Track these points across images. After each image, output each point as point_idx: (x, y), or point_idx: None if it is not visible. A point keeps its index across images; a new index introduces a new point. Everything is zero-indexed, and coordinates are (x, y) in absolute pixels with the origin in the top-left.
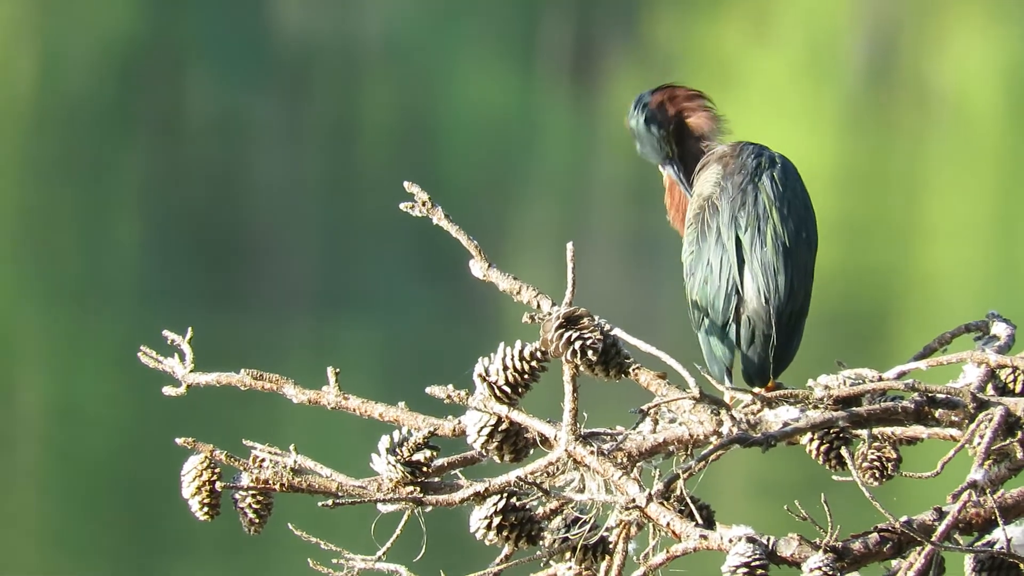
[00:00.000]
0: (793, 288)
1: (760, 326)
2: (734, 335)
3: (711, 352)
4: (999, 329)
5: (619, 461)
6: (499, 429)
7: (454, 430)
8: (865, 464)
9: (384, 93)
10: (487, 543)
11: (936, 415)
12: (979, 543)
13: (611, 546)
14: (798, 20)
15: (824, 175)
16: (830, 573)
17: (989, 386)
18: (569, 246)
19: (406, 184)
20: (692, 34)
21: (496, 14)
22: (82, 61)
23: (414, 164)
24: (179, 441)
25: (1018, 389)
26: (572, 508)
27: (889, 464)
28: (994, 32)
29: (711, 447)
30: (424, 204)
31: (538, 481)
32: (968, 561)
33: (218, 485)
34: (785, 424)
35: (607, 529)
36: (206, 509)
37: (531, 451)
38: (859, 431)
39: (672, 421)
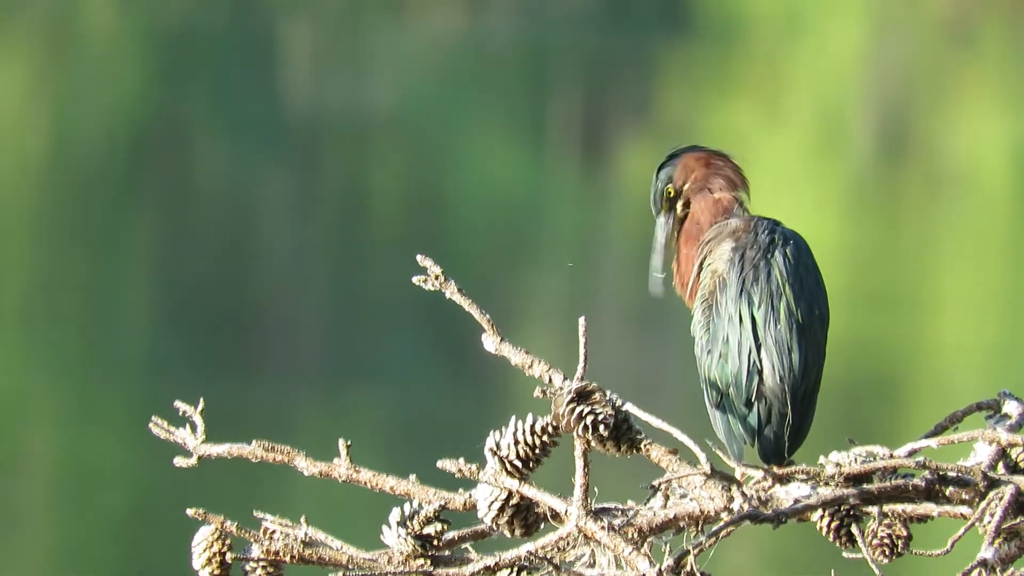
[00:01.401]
0: (807, 366)
1: (776, 404)
2: (753, 413)
3: (730, 431)
4: (1011, 408)
5: (630, 536)
6: (510, 503)
7: (465, 504)
8: (876, 541)
9: (394, 165)
10: None
11: (947, 493)
12: None
13: None
14: (809, 98)
15: (834, 250)
16: None
17: (1000, 465)
18: (582, 321)
19: (419, 258)
20: (703, 111)
21: (507, 87)
22: (92, 131)
23: (424, 236)
24: (190, 512)
25: None
26: None
27: (900, 542)
28: (1003, 110)
29: (722, 523)
30: (437, 278)
31: (549, 556)
32: None
33: (229, 556)
34: (796, 501)
35: None
36: None
37: (542, 525)
38: (870, 508)
39: (683, 497)
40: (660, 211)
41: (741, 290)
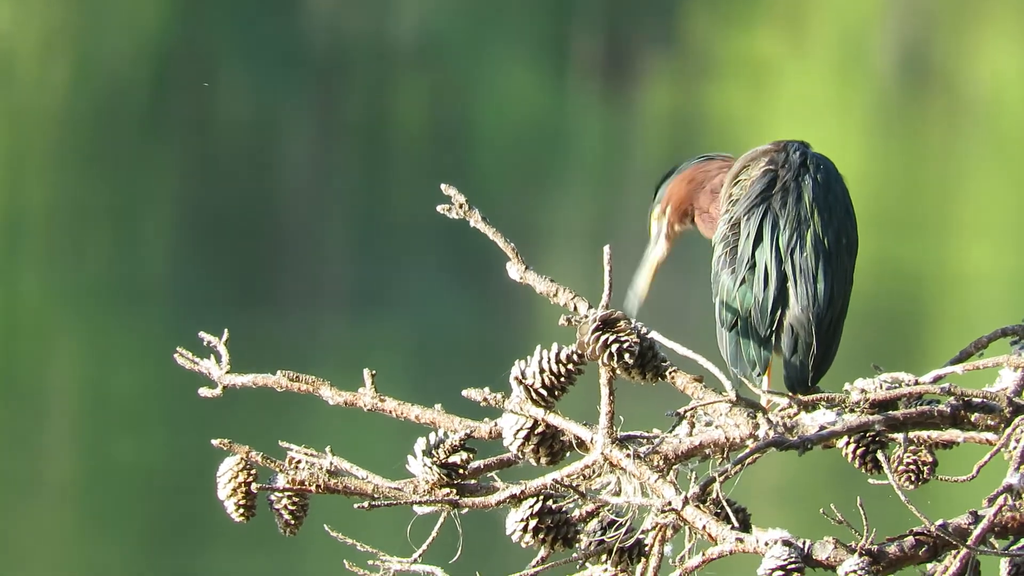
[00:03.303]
0: (832, 295)
1: (801, 334)
2: (774, 341)
3: (737, 353)
4: None
5: (655, 464)
6: (535, 432)
7: (490, 432)
8: (901, 468)
9: (417, 94)
10: (523, 546)
11: (972, 419)
12: (1015, 547)
13: (647, 549)
14: (831, 23)
15: (857, 176)
16: None
17: None
18: (606, 249)
19: (443, 186)
20: (725, 36)
21: (529, 15)
22: (115, 62)
23: (447, 164)
24: (215, 443)
25: None
26: (608, 511)
27: (925, 468)
28: None
29: (747, 450)
30: (461, 207)
31: (574, 484)
32: (1004, 565)
33: (254, 487)
34: (821, 428)
35: (643, 532)
36: (242, 511)
37: (567, 454)
38: (895, 435)
39: (708, 424)
40: (655, 239)
41: (767, 211)
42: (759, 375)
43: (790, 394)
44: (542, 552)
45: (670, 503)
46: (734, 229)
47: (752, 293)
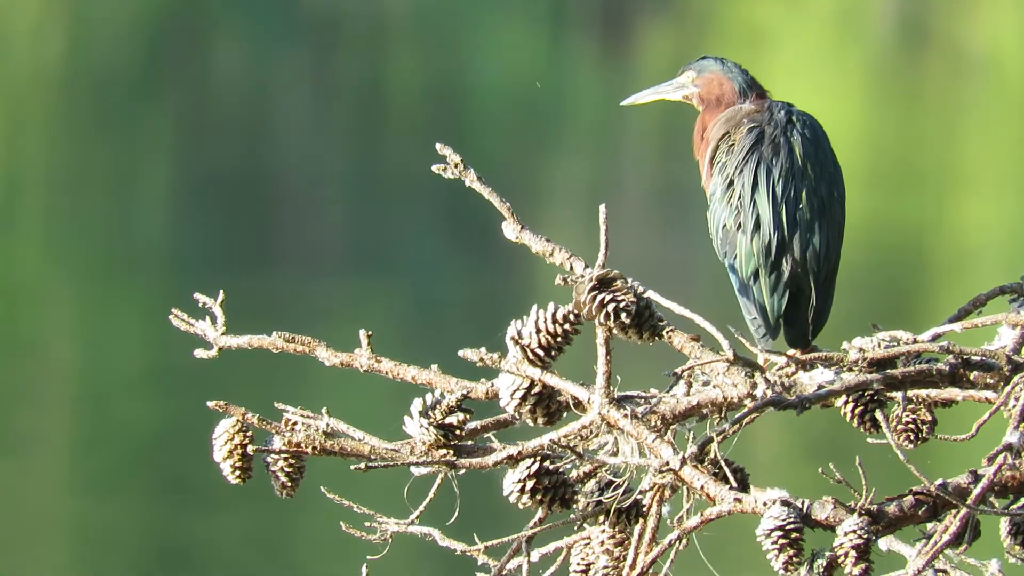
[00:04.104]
0: (829, 247)
1: (802, 287)
2: (769, 291)
3: (764, 309)
4: None
5: (653, 424)
6: (532, 392)
7: (487, 393)
8: (900, 427)
9: (413, 54)
10: (520, 506)
11: (971, 378)
12: (1015, 506)
13: (645, 509)
14: None
15: (856, 134)
16: (865, 536)
17: None
18: (602, 208)
19: (438, 146)
20: None
21: None
22: (111, 24)
23: (443, 125)
24: (210, 404)
25: None
26: (606, 471)
27: (924, 427)
28: None
29: (745, 410)
30: (456, 166)
31: (572, 444)
32: (1004, 524)
33: (250, 448)
34: (819, 387)
35: (641, 492)
36: (238, 472)
37: (564, 414)
38: (894, 394)
39: (706, 384)
40: (675, 86)
41: (759, 161)
42: (773, 326)
43: (788, 353)
44: (539, 513)
45: (668, 463)
46: (730, 187)
47: (760, 239)
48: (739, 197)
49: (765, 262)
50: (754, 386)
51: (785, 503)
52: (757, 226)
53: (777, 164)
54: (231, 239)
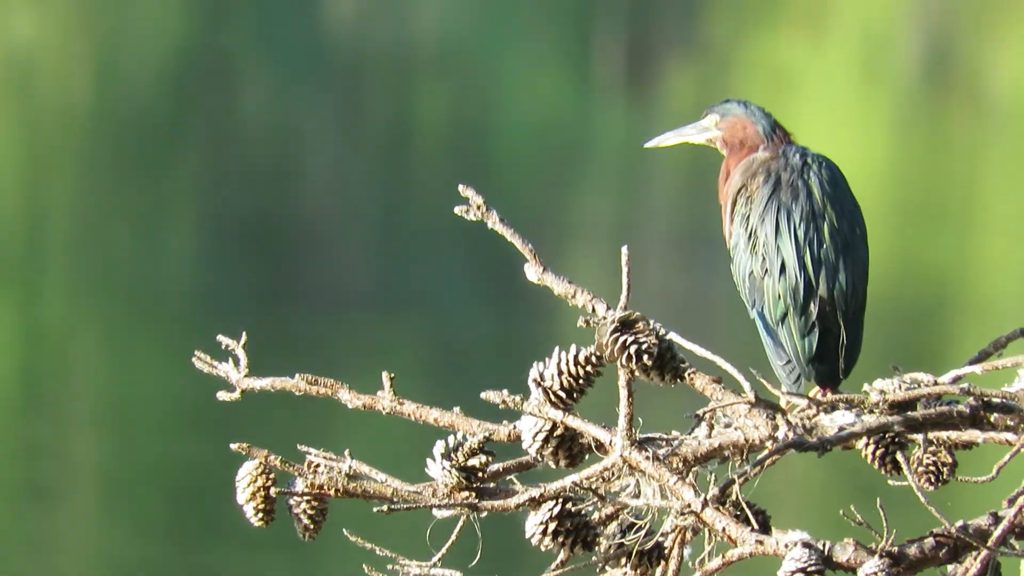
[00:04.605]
0: (855, 284)
1: (830, 327)
2: (799, 333)
3: (796, 351)
4: None
5: (674, 466)
6: (554, 434)
7: (509, 435)
8: (920, 469)
9: (438, 95)
10: (543, 549)
11: (992, 419)
12: None
13: (666, 551)
14: (853, 23)
15: (880, 173)
16: None
17: None
18: (624, 250)
19: (461, 187)
20: (747, 38)
21: (551, 17)
22: (137, 66)
23: (468, 166)
24: (233, 446)
25: None
26: (628, 513)
27: (945, 468)
28: None
29: (767, 452)
30: (479, 208)
31: (594, 486)
32: None
33: (273, 491)
34: (841, 429)
35: (663, 534)
36: (261, 515)
37: (586, 456)
38: (915, 436)
39: (727, 426)
40: (699, 129)
41: (779, 207)
42: (807, 366)
43: (809, 395)
44: (561, 555)
45: (689, 505)
46: (752, 237)
47: (786, 281)
48: (763, 245)
49: (794, 304)
50: (776, 428)
51: (807, 545)
52: (783, 269)
53: (797, 207)
54: (256, 280)
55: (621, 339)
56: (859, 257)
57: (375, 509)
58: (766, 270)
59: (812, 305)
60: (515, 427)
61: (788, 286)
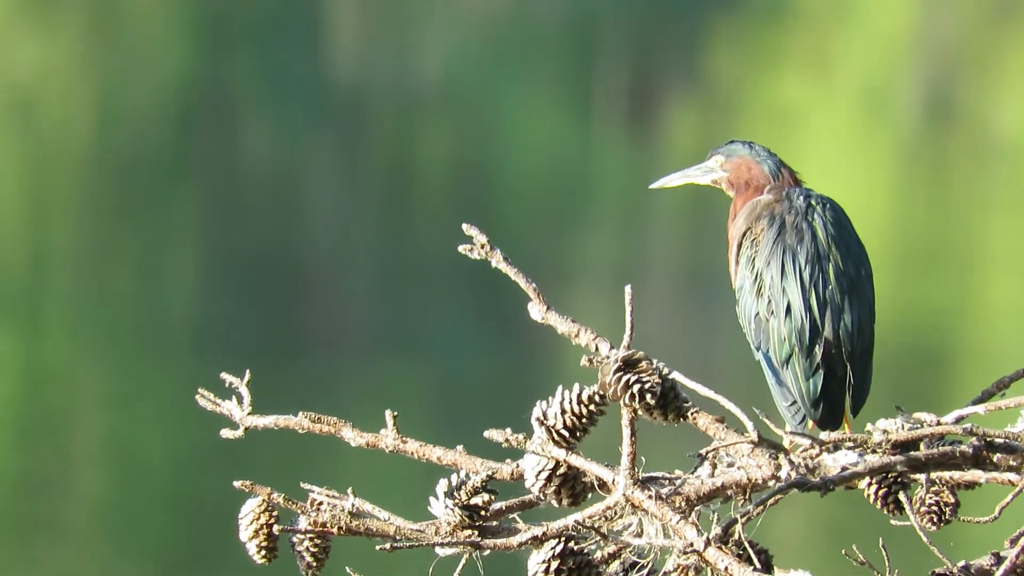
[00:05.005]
0: (861, 324)
1: (837, 367)
2: (804, 375)
3: (802, 392)
4: None
5: (677, 505)
6: (557, 473)
7: (512, 474)
8: (923, 508)
9: (441, 136)
10: None
11: (994, 460)
12: None
13: None
14: (856, 64)
15: (882, 217)
16: None
17: None
18: (627, 289)
19: (465, 227)
20: (750, 77)
21: (553, 55)
22: (139, 105)
23: (471, 206)
24: (237, 484)
25: None
26: (630, 552)
27: (947, 509)
28: None
29: (770, 491)
30: (483, 247)
31: (596, 525)
32: None
33: (276, 528)
34: (843, 468)
35: (665, 573)
36: (264, 552)
37: (589, 495)
38: (917, 475)
39: (730, 465)
40: (705, 171)
41: (784, 250)
42: (812, 408)
43: (812, 435)
44: None
45: (692, 544)
46: (758, 280)
47: (791, 322)
48: (769, 287)
49: (799, 346)
50: (778, 468)
51: None
52: (788, 311)
53: (802, 249)
54: (258, 320)
55: (624, 378)
56: (865, 297)
57: (378, 547)
58: (772, 312)
59: (817, 347)
60: (518, 466)
61: (793, 328)
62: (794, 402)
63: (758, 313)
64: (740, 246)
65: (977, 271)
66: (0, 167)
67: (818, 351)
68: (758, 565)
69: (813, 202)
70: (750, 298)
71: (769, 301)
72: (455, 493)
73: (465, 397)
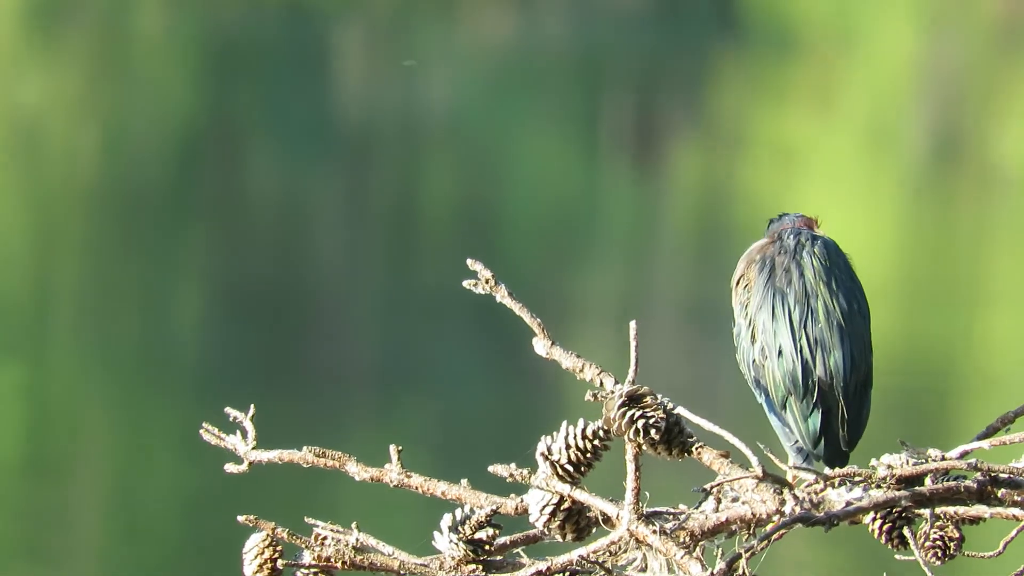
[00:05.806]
0: (854, 360)
1: (830, 404)
2: (802, 416)
3: (804, 433)
4: None
5: (681, 540)
6: (561, 508)
7: (516, 508)
8: (928, 544)
9: (446, 170)
10: None
11: (999, 495)
12: None
13: None
14: (861, 99)
15: (887, 251)
16: None
17: None
18: (632, 324)
19: (469, 262)
20: (755, 112)
21: (559, 90)
22: (144, 138)
23: (476, 241)
24: (241, 519)
25: None
26: None
27: (952, 544)
28: None
29: (773, 526)
30: (487, 282)
31: (600, 560)
32: None
33: (280, 563)
34: (848, 503)
35: None
36: None
37: (594, 530)
38: (922, 511)
39: (735, 500)
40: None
41: (774, 293)
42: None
43: (816, 470)
44: None
45: None
46: (752, 326)
47: (783, 365)
48: (762, 332)
49: (793, 388)
50: (783, 502)
51: None
52: (780, 354)
53: (791, 290)
54: (263, 354)
55: (629, 413)
56: (857, 331)
57: None
58: (766, 356)
59: (812, 386)
60: (522, 500)
61: (786, 371)
62: (797, 442)
63: (755, 360)
64: (736, 294)
65: (983, 306)
66: (5, 200)
67: (813, 391)
68: None
69: (803, 239)
70: (746, 344)
71: (763, 346)
72: (459, 528)
73: (469, 432)
